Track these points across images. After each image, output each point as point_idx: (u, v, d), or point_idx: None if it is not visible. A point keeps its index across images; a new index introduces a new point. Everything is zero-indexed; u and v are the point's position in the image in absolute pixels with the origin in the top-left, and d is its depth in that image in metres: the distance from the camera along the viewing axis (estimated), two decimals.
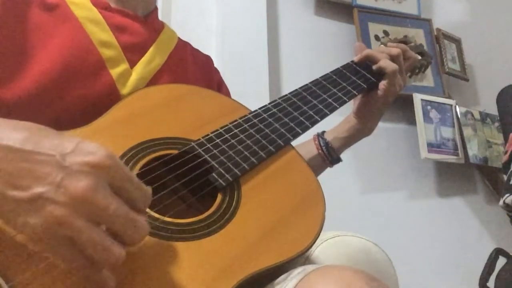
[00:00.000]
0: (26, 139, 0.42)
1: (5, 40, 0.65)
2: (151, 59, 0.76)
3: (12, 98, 0.62)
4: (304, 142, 0.91)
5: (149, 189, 0.47)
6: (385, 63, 0.85)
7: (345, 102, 0.81)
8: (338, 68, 0.86)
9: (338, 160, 0.92)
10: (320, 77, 0.83)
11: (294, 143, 0.73)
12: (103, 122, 0.63)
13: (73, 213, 0.40)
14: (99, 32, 0.71)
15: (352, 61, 0.89)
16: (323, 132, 0.93)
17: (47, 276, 0.43)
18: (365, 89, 0.85)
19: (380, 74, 0.86)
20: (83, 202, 0.40)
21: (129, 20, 0.76)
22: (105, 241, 0.41)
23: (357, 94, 0.83)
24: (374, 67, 0.87)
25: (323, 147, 0.90)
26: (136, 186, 0.44)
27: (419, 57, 0.96)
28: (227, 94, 0.92)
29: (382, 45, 0.96)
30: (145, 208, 0.46)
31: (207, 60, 0.93)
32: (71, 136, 0.44)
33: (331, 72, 0.85)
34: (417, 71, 0.99)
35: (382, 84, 0.85)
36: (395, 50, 0.89)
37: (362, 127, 0.91)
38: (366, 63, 0.88)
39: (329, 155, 0.90)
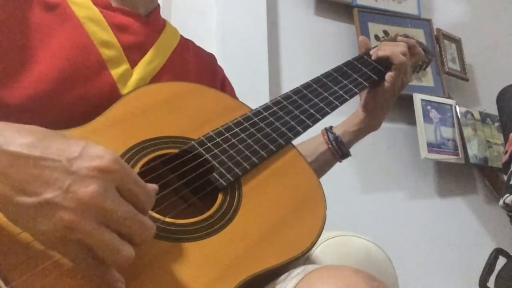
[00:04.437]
0: (33, 145, 0.42)
1: (5, 40, 0.64)
2: (152, 59, 0.76)
3: (13, 98, 0.62)
4: (311, 138, 0.90)
5: (154, 187, 0.47)
6: (394, 55, 0.86)
7: (356, 93, 0.81)
8: (349, 60, 0.87)
9: (347, 154, 0.91)
10: (326, 72, 0.83)
11: (299, 139, 0.73)
12: (103, 121, 0.62)
13: (82, 217, 0.40)
14: (100, 32, 0.71)
15: (363, 53, 0.89)
16: (331, 127, 0.92)
17: (48, 278, 0.43)
18: (376, 80, 0.85)
19: (388, 65, 0.86)
20: (92, 207, 0.41)
21: (130, 19, 0.76)
22: (115, 242, 0.42)
23: (367, 85, 0.84)
24: (380, 53, 0.87)
25: (333, 142, 0.89)
26: (141, 189, 0.45)
27: (424, 54, 0.96)
28: (231, 90, 0.91)
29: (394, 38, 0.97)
30: (149, 209, 0.46)
31: (210, 57, 0.93)
32: (76, 139, 0.44)
33: (342, 64, 0.85)
34: (418, 68, 0.99)
35: (389, 76, 0.86)
36: (403, 44, 0.90)
37: (371, 121, 0.91)
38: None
39: (339, 149, 0.89)
